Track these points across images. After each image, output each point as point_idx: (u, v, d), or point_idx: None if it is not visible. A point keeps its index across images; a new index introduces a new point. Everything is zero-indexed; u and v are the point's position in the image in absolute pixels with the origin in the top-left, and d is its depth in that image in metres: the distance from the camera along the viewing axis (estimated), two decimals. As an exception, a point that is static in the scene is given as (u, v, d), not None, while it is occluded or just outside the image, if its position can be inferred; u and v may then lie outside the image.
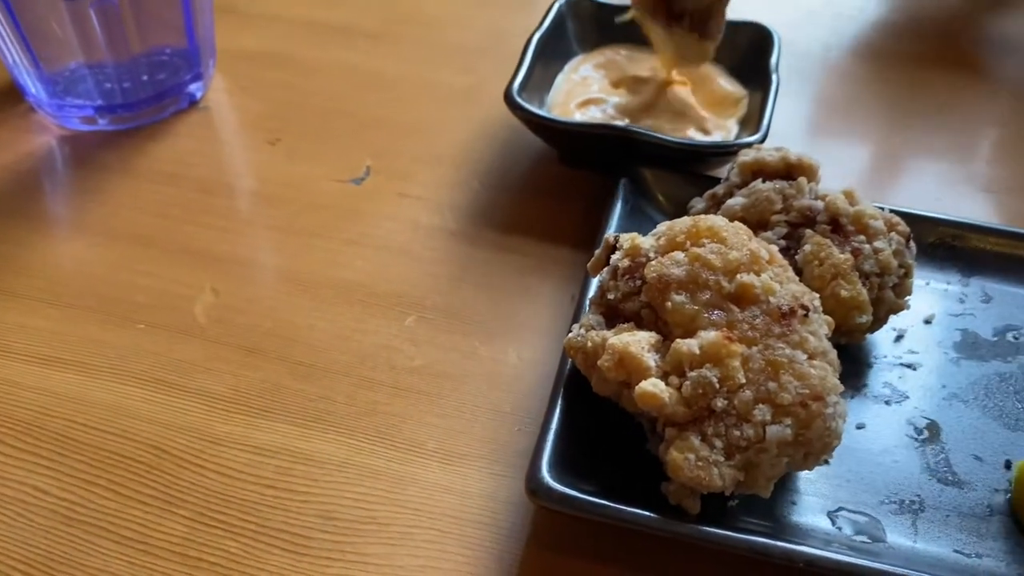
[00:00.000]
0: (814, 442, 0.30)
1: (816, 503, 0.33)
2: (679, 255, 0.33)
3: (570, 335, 0.34)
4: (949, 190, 0.50)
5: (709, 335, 0.31)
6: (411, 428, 0.37)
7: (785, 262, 0.34)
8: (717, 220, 0.34)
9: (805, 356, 0.31)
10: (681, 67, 0.50)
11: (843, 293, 0.35)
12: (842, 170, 0.51)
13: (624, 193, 0.43)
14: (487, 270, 0.44)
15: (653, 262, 0.33)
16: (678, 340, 0.31)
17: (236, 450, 0.36)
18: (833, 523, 0.32)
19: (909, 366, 0.38)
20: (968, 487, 0.34)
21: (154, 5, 0.50)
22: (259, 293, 0.42)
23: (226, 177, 0.49)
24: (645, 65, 0.52)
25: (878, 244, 0.36)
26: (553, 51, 0.51)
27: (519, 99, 0.45)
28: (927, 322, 0.40)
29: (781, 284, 0.32)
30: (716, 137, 0.47)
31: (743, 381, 0.30)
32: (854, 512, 0.33)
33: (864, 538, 0.32)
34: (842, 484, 0.34)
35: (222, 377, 0.39)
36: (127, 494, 0.34)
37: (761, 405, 0.30)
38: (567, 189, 0.48)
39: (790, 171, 0.39)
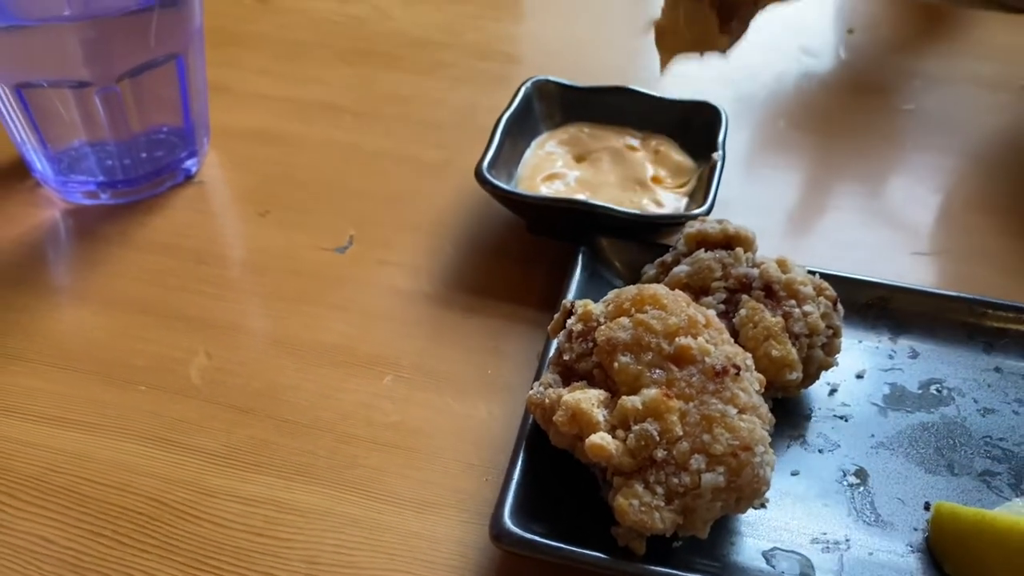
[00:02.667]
0: (744, 488, 0.34)
1: (753, 543, 0.37)
2: (625, 320, 0.37)
3: (531, 392, 0.38)
4: (883, 254, 0.54)
5: (650, 392, 0.34)
6: (388, 480, 0.40)
7: (721, 325, 0.38)
8: (659, 289, 0.38)
9: (736, 410, 0.34)
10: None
11: (774, 353, 0.39)
12: (784, 237, 0.55)
13: (583, 260, 0.48)
14: (460, 331, 0.48)
15: (603, 326, 0.37)
16: (623, 397, 0.35)
17: (228, 501, 0.39)
18: (767, 562, 0.36)
19: (841, 417, 0.42)
20: (890, 527, 0.37)
21: (153, 88, 0.54)
22: (249, 356, 0.46)
23: (219, 247, 0.53)
24: (607, 141, 0.57)
25: (807, 308, 0.40)
26: (521, 129, 0.56)
27: (488, 175, 0.50)
28: (859, 377, 0.44)
29: (716, 346, 0.36)
30: (668, 208, 0.52)
31: (681, 433, 0.34)
32: (787, 551, 0.36)
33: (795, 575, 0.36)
34: (777, 526, 0.37)
35: (215, 434, 0.42)
36: (129, 543, 0.37)
37: (697, 455, 0.34)
38: (534, 255, 0.52)
39: (729, 242, 0.43)
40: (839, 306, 0.42)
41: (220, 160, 0.60)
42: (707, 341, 0.36)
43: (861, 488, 0.39)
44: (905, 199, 0.59)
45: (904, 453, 0.41)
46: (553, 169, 0.54)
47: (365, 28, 0.75)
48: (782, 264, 0.42)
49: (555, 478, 0.38)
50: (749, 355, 0.37)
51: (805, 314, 0.40)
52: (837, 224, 0.57)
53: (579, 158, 0.56)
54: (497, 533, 0.34)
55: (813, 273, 0.43)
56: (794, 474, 0.40)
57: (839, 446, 0.41)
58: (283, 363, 0.46)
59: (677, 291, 0.38)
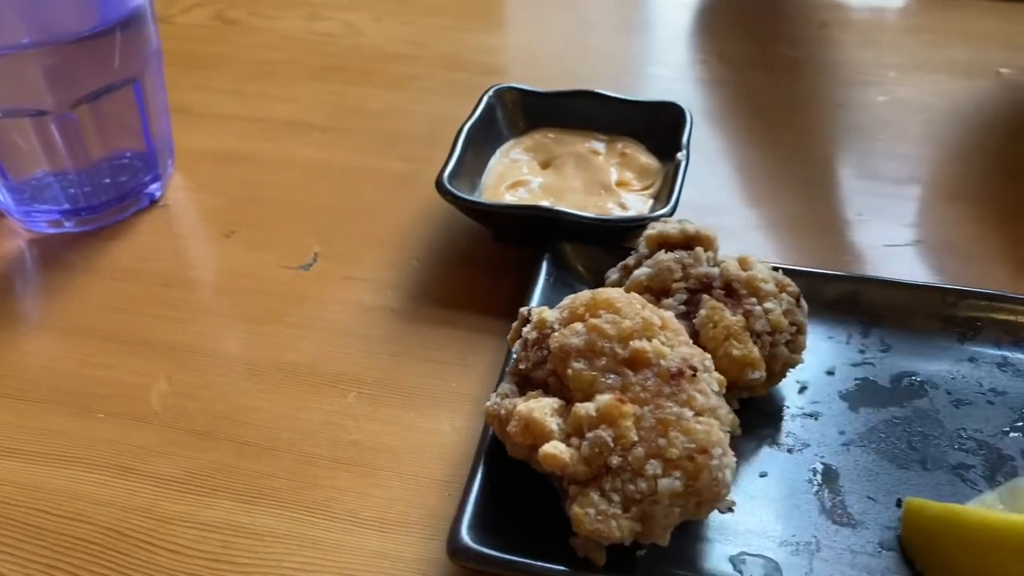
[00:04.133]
0: (703, 492, 0.33)
1: (720, 549, 0.36)
2: (579, 326, 0.36)
3: (488, 403, 0.37)
4: (856, 247, 0.53)
5: (604, 398, 0.34)
6: (349, 499, 0.40)
7: (679, 327, 0.37)
8: (613, 293, 0.37)
9: (692, 413, 0.34)
10: None
11: (735, 352, 0.38)
12: (756, 233, 0.54)
13: (547, 267, 0.47)
14: (426, 344, 0.47)
15: (556, 333, 0.36)
16: (577, 404, 0.34)
17: (185, 528, 0.38)
18: (735, 567, 0.35)
19: (811, 415, 0.41)
20: (861, 526, 0.36)
21: (112, 113, 0.54)
22: (211, 379, 0.45)
23: (183, 270, 0.53)
24: (572, 146, 0.56)
25: (768, 305, 0.39)
26: (485, 137, 0.55)
27: (449, 186, 0.49)
28: (829, 373, 0.43)
29: (673, 348, 0.36)
30: (633, 211, 0.51)
31: (636, 439, 0.33)
32: (754, 556, 0.35)
33: (763, 580, 0.35)
34: (744, 530, 0.36)
35: (174, 460, 0.41)
36: (83, 575, 0.37)
37: (653, 460, 0.33)
38: (500, 264, 0.51)
39: (689, 242, 0.42)
40: (802, 302, 0.41)
41: (186, 183, 0.60)
42: (663, 343, 0.35)
43: (831, 487, 0.38)
44: (879, 191, 0.58)
45: (875, 449, 0.40)
46: (518, 176, 0.54)
47: (334, 44, 0.75)
48: (743, 262, 0.41)
49: (516, 490, 0.37)
50: (708, 356, 0.37)
51: (766, 311, 0.39)
52: (809, 219, 0.56)
53: (544, 164, 0.56)
54: (454, 549, 0.34)
55: (777, 269, 0.42)
56: (763, 475, 0.39)
57: (809, 445, 0.40)
58: (245, 385, 0.45)
59: (632, 294, 0.38)
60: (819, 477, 0.38)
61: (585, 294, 0.37)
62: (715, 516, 0.37)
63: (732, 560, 0.35)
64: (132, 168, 0.57)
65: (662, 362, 0.35)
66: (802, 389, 0.42)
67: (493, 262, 0.52)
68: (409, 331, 0.48)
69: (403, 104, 0.67)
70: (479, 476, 0.36)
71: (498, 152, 0.56)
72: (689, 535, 0.36)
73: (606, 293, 0.37)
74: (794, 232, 0.55)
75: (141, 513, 0.39)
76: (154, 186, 0.58)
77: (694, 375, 0.35)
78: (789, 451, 0.40)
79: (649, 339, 0.35)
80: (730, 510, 0.37)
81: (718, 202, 0.57)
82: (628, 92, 0.58)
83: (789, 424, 0.41)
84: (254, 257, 0.53)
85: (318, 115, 0.66)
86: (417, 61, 0.72)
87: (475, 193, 0.52)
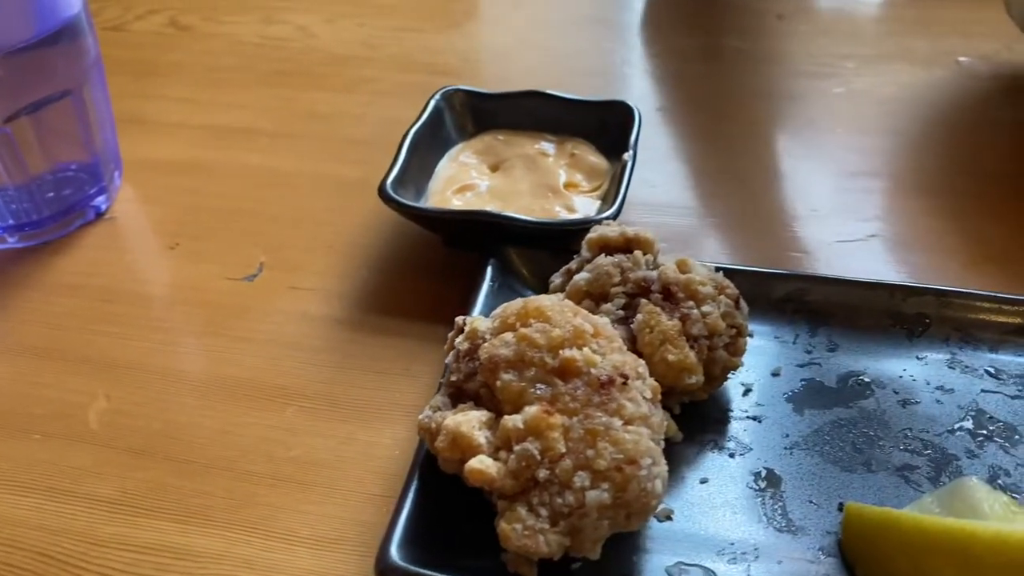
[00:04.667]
0: (632, 503, 0.32)
1: (656, 560, 0.35)
2: (508, 336, 0.35)
3: (420, 417, 0.36)
4: (808, 243, 0.53)
5: (531, 410, 0.33)
6: (286, 517, 0.39)
7: (612, 333, 0.36)
8: (544, 300, 0.36)
9: (621, 422, 0.33)
10: None
11: (670, 357, 0.37)
12: (708, 233, 0.54)
13: (492, 273, 0.46)
14: (370, 355, 0.46)
15: (486, 344, 0.35)
16: (505, 416, 0.33)
17: (118, 550, 0.38)
18: (670, 577, 0.34)
19: (755, 418, 0.41)
20: (802, 532, 0.36)
21: (52, 125, 0.53)
22: (150, 396, 0.45)
23: (126, 284, 0.52)
24: (521, 148, 0.55)
25: (706, 308, 0.39)
26: (433, 141, 0.55)
27: (391, 192, 0.48)
28: (774, 375, 0.43)
29: (604, 355, 0.35)
30: (580, 213, 0.50)
31: (564, 451, 0.32)
32: (691, 566, 0.35)
33: (699, 590, 0.34)
34: (682, 539, 0.36)
35: (110, 480, 0.41)
36: (9, 603, 0.36)
37: (580, 472, 0.32)
38: (451, 270, 0.51)
39: (629, 245, 0.42)
40: (742, 304, 0.40)
41: (134, 194, 0.59)
42: (595, 351, 0.35)
43: (773, 492, 0.37)
44: (834, 185, 0.58)
45: (819, 452, 0.39)
46: (466, 180, 0.53)
47: (287, 48, 0.74)
48: (682, 264, 0.40)
49: (452, 505, 0.36)
50: (642, 362, 0.36)
51: (704, 315, 0.38)
52: (761, 215, 0.55)
53: (494, 167, 0.55)
54: (382, 568, 0.33)
55: (720, 270, 0.42)
56: (703, 482, 0.38)
57: (751, 449, 0.39)
58: (184, 401, 0.44)
59: (566, 301, 0.37)
60: (761, 482, 0.38)
61: (516, 303, 0.37)
62: (653, 525, 0.36)
63: (668, 571, 0.35)
64: (77, 181, 0.56)
65: (592, 371, 0.34)
66: (746, 391, 0.42)
67: (444, 268, 0.51)
68: (354, 341, 0.47)
69: (354, 108, 0.66)
70: (412, 492, 0.36)
71: (447, 156, 0.55)
72: (625, 546, 0.35)
73: (537, 301, 0.36)
74: (745, 229, 0.54)
75: (74, 536, 0.38)
76: (100, 199, 0.57)
77: (624, 383, 0.34)
78: (731, 456, 0.39)
79: (580, 347, 0.35)
80: (668, 518, 0.37)
81: (669, 200, 0.56)
82: (582, 90, 0.57)
83: (732, 428, 0.40)
84: (198, 269, 0.52)
85: (268, 121, 0.65)
86: (369, 63, 0.71)
87: (422, 198, 0.52)
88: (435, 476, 0.36)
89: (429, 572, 0.33)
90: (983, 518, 0.32)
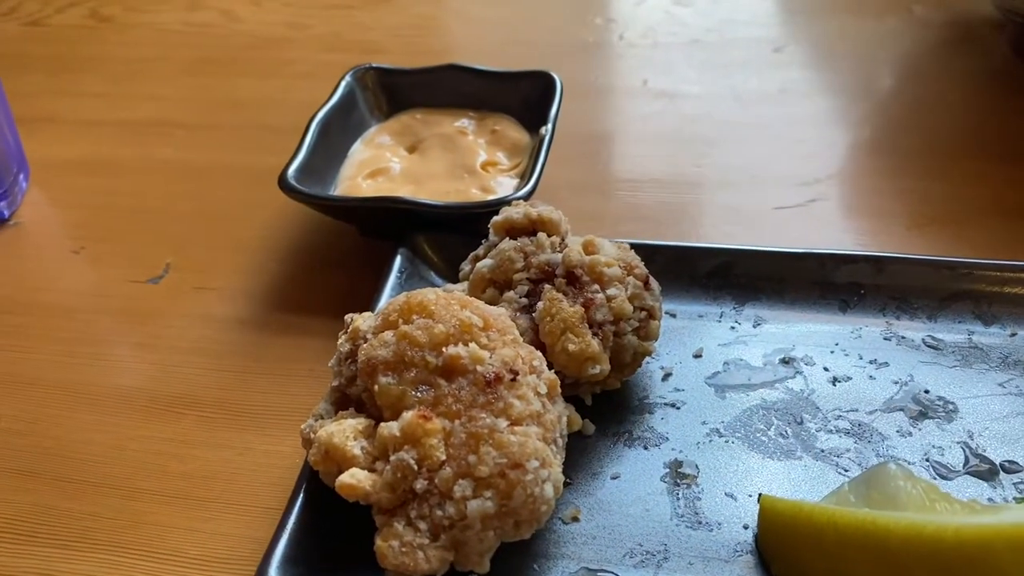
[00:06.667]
0: (519, 511, 0.30)
1: (559, 567, 0.32)
2: (388, 335, 0.33)
3: (302, 426, 0.34)
4: (740, 212, 0.50)
5: (408, 415, 0.30)
6: (175, 536, 0.36)
7: (507, 325, 0.34)
8: (428, 294, 0.33)
9: (507, 423, 0.30)
10: None
11: (571, 347, 0.34)
12: (640, 208, 0.51)
13: (401, 262, 0.43)
14: (274, 357, 0.44)
15: (365, 344, 0.33)
16: (382, 424, 0.31)
17: (-4, 583, 0.35)
18: (572, 585, 0.32)
19: (673, 405, 0.38)
20: (716, 528, 0.33)
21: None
22: (42, 412, 0.42)
23: (27, 294, 0.49)
24: (439, 127, 0.52)
25: (611, 291, 0.36)
26: (345, 124, 0.52)
27: (292, 181, 0.45)
28: (697, 356, 0.40)
29: (494, 351, 0.32)
30: (499, 194, 0.47)
31: (443, 458, 0.30)
32: (595, 571, 0.32)
33: (602, 597, 0.31)
34: (588, 541, 0.33)
35: (-6, 505, 0.38)
36: None
37: (462, 480, 0.29)
38: (366, 260, 0.48)
39: (534, 227, 0.39)
40: (652, 283, 0.37)
41: (41, 197, 0.56)
42: (483, 346, 0.32)
43: (687, 487, 0.35)
44: (773, 149, 0.55)
45: (740, 439, 0.36)
46: (379, 164, 0.50)
47: (209, 35, 0.71)
48: (588, 245, 0.38)
49: (340, 520, 0.33)
50: (539, 355, 0.33)
51: (609, 299, 0.36)
52: (694, 184, 0.52)
53: (411, 148, 0.52)
54: (258, 592, 0.30)
55: (636, 248, 0.39)
56: (615, 477, 0.35)
57: (667, 439, 0.37)
58: (77, 416, 0.42)
59: (452, 293, 0.34)
60: (675, 475, 0.35)
61: (399, 298, 0.34)
62: (558, 527, 0.34)
63: (571, 578, 0.32)
64: (-23, 186, 0.53)
65: (479, 368, 0.31)
66: (666, 376, 0.39)
67: (359, 258, 0.48)
68: (258, 343, 0.45)
69: (275, 93, 0.63)
70: (297, 507, 0.33)
71: (360, 139, 0.52)
72: (526, 551, 0.33)
73: (420, 295, 0.33)
74: (680, 199, 0.51)
75: (-51, 569, 0.36)
76: (2, 204, 0.54)
77: (514, 379, 0.31)
78: (645, 447, 0.36)
79: (466, 343, 0.32)
80: (576, 519, 0.34)
81: (601, 177, 0.53)
82: (522, 62, 0.54)
83: (649, 417, 0.38)
84: (102, 273, 0.50)
85: (185, 113, 0.62)
86: (293, 44, 0.68)
87: (331, 185, 0.49)
88: (324, 489, 0.34)
89: (307, 594, 0.30)
90: (901, 508, 0.29)
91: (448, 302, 0.33)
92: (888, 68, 0.61)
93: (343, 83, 0.53)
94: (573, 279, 0.36)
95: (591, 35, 0.68)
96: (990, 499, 0.33)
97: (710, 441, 0.36)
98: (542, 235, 0.38)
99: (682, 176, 0.53)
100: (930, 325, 0.40)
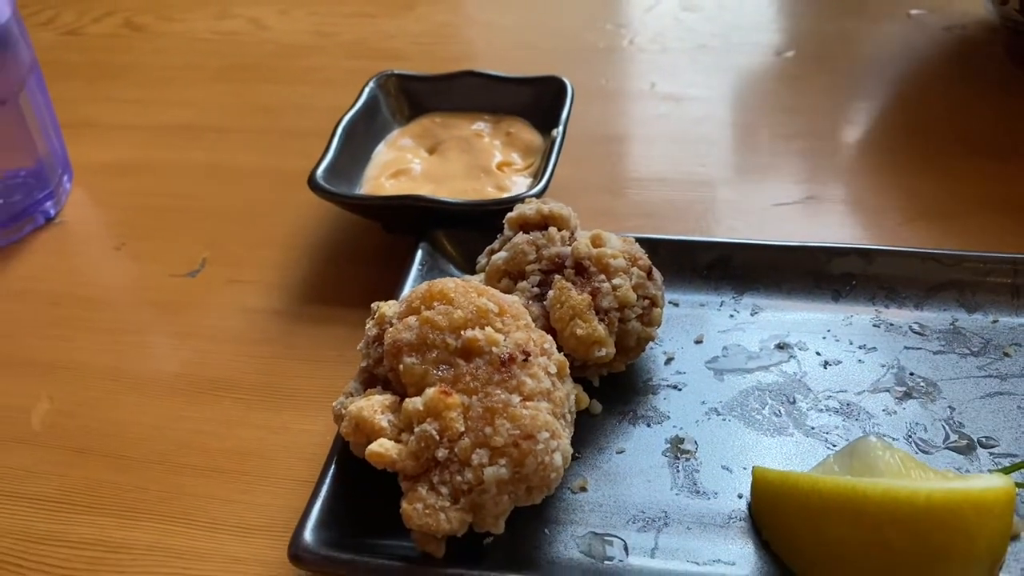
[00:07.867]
0: (531, 477, 0.33)
1: (567, 531, 0.35)
2: (412, 320, 0.36)
3: (334, 404, 0.37)
4: (740, 208, 0.53)
5: (430, 391, 0.33)
6: (216, 507, 0.40)
7: (520, 311, 0.37)
8: (448, 283, 0.37)
9: (519, 399, 0.33)
10: None
11: (579, 331, 0.37)
12: (642, 206, 0.54)
13: (422, 255, 0.47)
14: (306, 344, 0.47)
15: (391, 328, 0.36)
16: (407, 399, 0.34)
17: (56, 547, 0.39)
18: (579, 548, 0.35)
19: (674, 387, 0.41)
20: (713, 497, 0.36)
21: (-4, 134, 0.54)
22: (91, 396, 0.46)
23: (72, 287, 0.53)
24: (457, 130, 0.55)
25: (616, 281, 0.39)
26: (369, 128, 0.55)
27: (321, 181, 0.49)
28: (697, 342, 0.43)
29: (508, 334, 0.35)
30: (513, 192, 0.50)
31: (462, 429, 0.33)
32: (601, 535, 0.35)
33: (607, 560, 0.34)
34: (595, 508, 0.36)
35: (49, 479, 0.42)
36: (-53, 603, 0.37)
37: (479, 449, 0.33)
38: (391, 255, 0.51)
39: (545, 222, 0.42)
40: (655, 274, 0.40)
41: (84, 198, 0.60)
42: (498, 330, 0.35)
43: (686, 460, 0.38)
44: (772, 148, 0.57)
45: (737, 417, 0.39)
46: (401, 165, 0.53)
47: (238, 43, 0.75)
48: (596, 239, 0.41)
49: (369, 488, 0.37)
50: (549, 338, 0.36)
51: (614, 288, 0.39)
52: (705, 186, 0.55)
53: (431, 150, 0.55)
54: (295, 552, 0.34)
55: (641, 242, 0.42)
56: (620, 452, 0.38)
57: (668, 417, 0.40)
58: (124, 398, 0.45)
59: (470, 282, 0.37)
60: (675, 450, 0.38)
61: (422, 286, 0.37)
62: (567, 496, 0.37)
63: (578, 541, 0.35)
64: (25, 187, 0.57)
65: (494, 349, 0.35)
66: (668, 360, 0.42)
67: (385, 254, 0.52)
68: (291, 332, 0.48)
69: (302, 99, 0.66)
70: (329, 477, 0.36)
71: (384, 142, 0.56)
72: (539, 518, 0.36)
73: (440, 284, 0.36)
74: (679, 199, 0.54)
75: (13, 536, 0.39)
76: (48, 204, 0.58)
77: (526, 360, 0.34)
78: (648, 425, 0.39)
79: (483, 327, 0.35)
80: (583, 489, 0.37)
81: (611, 177, 0.56)
82: (539, 67, 0.57)
83: (652, 398, 0.40)
84: (141, 268, 0.53)
85: (216, 117, 0.65)
86: (319, 52, 0.72)
87: (356, 185, 0.52)
88: (353, 461, 0.37)
89: (341, 554, 0.33)
90: (878, 475, 0.32)
91: (466, 290, 0.36)
92: (886, 71, 0.64)
93: (367, 89, 0.56)
94: (581, 270, 0.40)
95: (602, 40, 0.71)
96: (967, 471, 0.36)
97: (708, 419, 0.39)
98: (553, 230, 0.41)
99: (687, 175, 0.56)
100: (916, 313, 0.43)
